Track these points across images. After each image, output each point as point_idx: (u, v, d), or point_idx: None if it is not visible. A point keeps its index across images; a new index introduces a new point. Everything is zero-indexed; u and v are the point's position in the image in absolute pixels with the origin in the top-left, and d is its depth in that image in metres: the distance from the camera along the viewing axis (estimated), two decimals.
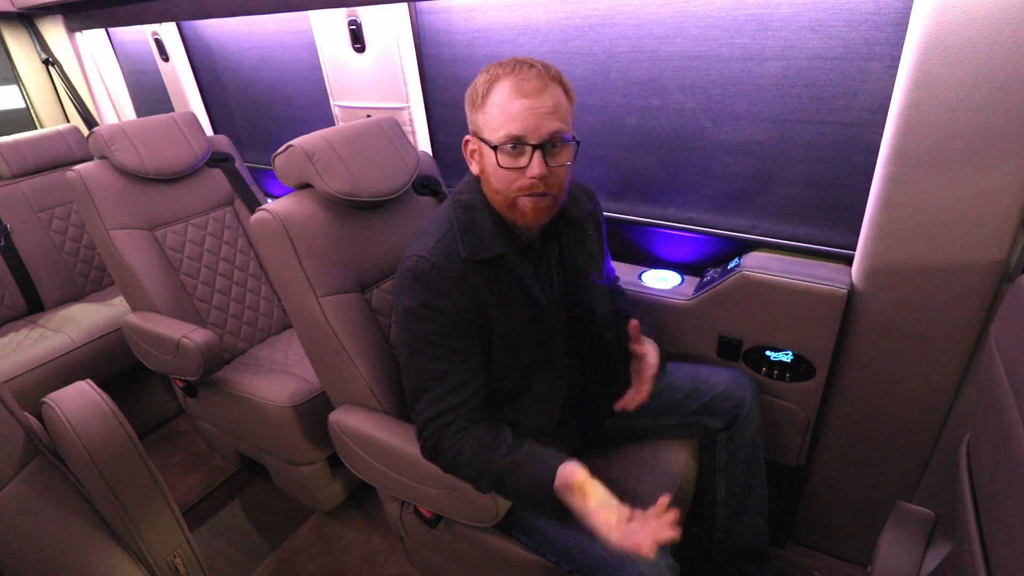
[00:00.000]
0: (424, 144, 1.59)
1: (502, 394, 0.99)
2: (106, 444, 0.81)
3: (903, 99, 0.88)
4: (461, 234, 0.92)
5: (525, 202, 0.89)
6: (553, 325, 0.99)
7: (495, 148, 0.86)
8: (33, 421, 0.82)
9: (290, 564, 1.52)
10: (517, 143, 0.85)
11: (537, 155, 0.85)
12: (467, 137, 0.94)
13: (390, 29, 1.41)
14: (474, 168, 0.95)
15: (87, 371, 1.77)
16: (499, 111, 0.85)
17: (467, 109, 0.92)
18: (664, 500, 0.77)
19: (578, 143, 0.90)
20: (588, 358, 1.09)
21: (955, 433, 1.11)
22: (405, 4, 1.39)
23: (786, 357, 1.19)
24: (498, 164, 0.87)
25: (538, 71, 0.85)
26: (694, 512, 1.23)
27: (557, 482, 0.85)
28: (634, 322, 0.99)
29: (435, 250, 0.91)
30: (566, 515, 0.85)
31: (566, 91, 0.88)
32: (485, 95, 0.87)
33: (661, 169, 1.30)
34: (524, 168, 0.86)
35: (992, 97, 0.82)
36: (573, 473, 0.84)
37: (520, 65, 0.86)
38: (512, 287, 0.94)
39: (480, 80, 0.89)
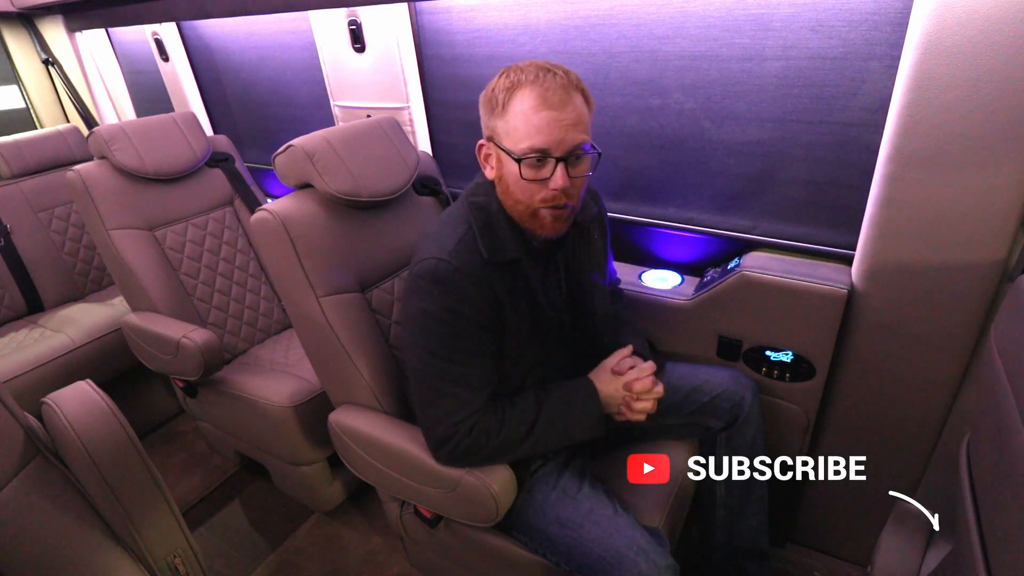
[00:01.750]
0: (424, 144, 1.59)
1: (500, 389, 0.99)
2: (106, 444, 0.81)
3: (903, 99, 0.88)
4: (480, 235, 0.91)
5: (546, 214, 0.89)
6: (554, 328, 0.99)
7: (519, 160, 0.85)
8: (33, 421, 0.82)
9: (290, 564, 1.52)
10: (541, 156, 0.84)
11: (560, 167, 0.84)
12: (481, 141, 0.93)
13: (390, 29, 1.41)
14: (489, 173, 0.94)
15: (87, 371, 1.77)
16: (522, 122, 0.84)
17: (483, 113, 0.90)
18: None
19: (599, 154, 0.89)
20: (585, 359, 1.09)
21: (955, 433, 1.11)
22: (405, 4, 1.39)
23: (786, 357, 1.19)
24: (521, 176, 0.86)
25: (561, 80, 0.83)
26: (694, 512, 1.23)
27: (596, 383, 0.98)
28: (629, 348, 1.03)
29: (455, 252, 0.89)
30: (603, 426, 0.98)
31: (586, 98, 0.87)
32: (506, 102, 0.85)
33: (661, 169, 1.30)
34: (546, 180, 0.85)
35: (992, 97, 0.82)
36: (600, 368, 1.01)
37: (543, 72, 0.84)
38: (522, 290, 0.94)
39: (499, 85, 0.86)
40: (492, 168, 0.93)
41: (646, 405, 0.97)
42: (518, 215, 0.92)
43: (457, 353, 0.90)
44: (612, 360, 1.01)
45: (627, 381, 0.97)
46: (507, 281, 0.92)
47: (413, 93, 1.51)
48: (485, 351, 0.93)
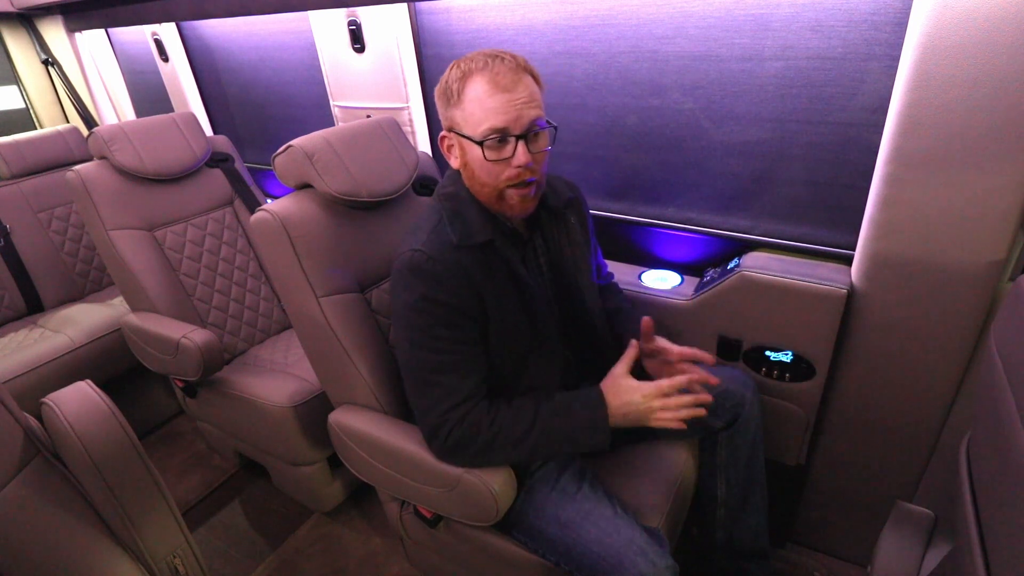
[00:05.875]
0: (424, 144, 1.59)
1: (498, 382, 0.99)
2: (106, 444, 0.81)
3: (903, 99, 0.88)
4: (450, 222, 0.94)
5: (512, 193, 0.91)
6: (544, 310, 0.99)
7: (480, 143, 0.88)
8: (33, 421, 0.82)
9: (290, 564, 1.52)
10: (501, 136, 0.87)
11: (521, 145, 0.87)
12: (443, 133, 0.96)
13: (390, 29, 1.41)
14: (454, 163, 0.97)
15: (87, 371, 1.77)
16: (478, 107, 0.87)
17: (439, 106, 0.94)
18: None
19: (555, 128, 0.93)
20: (580, 346, 1.09)
21: (955, 433, 1.11)
22: (405, 4, 1.39)
23: (786, 357, 1.19)
24: (484, 158, 0.89)
25: (509, 63, 0.87)
26: (694, 512, 1.23)
27: (606, 393, 0.94)
28: (647, 319, 0.99)
29: (428, 242, 0.92)
30: (607, 438, 0.93)
31: (535, 78, 0.91)
32: (460, 92, 0.89)
33: (661, 169, 1.30)
34: (509, 159, 0.88)
35: (992, 97, 0.82)
36: (610, 376, 0.96)
37: (491, 59, 0.87)
38: (502, 272, 0.95)
39: (452, 76, 0.90)
40: (456, 158, 0.96)
41: (683, 410, 0.91)
42: (485, 198, 0.95)
43: (439, 341, 0.91)
44: (621, 367, 0.97)
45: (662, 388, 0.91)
46: (484, 265, 0.94)
47: (413, 93, 1.51)
48: (468, 338, 0.93)
